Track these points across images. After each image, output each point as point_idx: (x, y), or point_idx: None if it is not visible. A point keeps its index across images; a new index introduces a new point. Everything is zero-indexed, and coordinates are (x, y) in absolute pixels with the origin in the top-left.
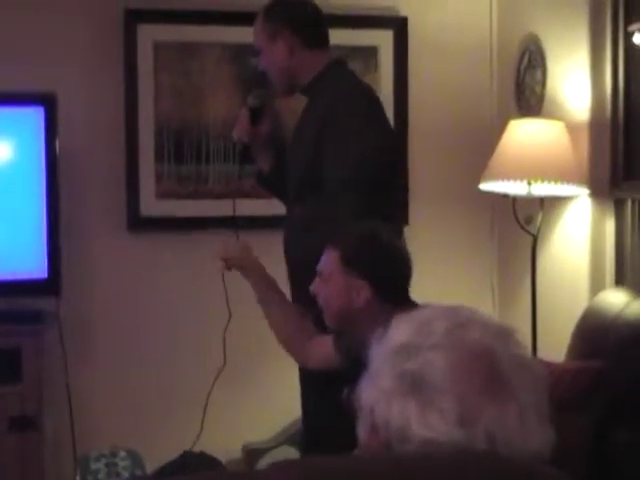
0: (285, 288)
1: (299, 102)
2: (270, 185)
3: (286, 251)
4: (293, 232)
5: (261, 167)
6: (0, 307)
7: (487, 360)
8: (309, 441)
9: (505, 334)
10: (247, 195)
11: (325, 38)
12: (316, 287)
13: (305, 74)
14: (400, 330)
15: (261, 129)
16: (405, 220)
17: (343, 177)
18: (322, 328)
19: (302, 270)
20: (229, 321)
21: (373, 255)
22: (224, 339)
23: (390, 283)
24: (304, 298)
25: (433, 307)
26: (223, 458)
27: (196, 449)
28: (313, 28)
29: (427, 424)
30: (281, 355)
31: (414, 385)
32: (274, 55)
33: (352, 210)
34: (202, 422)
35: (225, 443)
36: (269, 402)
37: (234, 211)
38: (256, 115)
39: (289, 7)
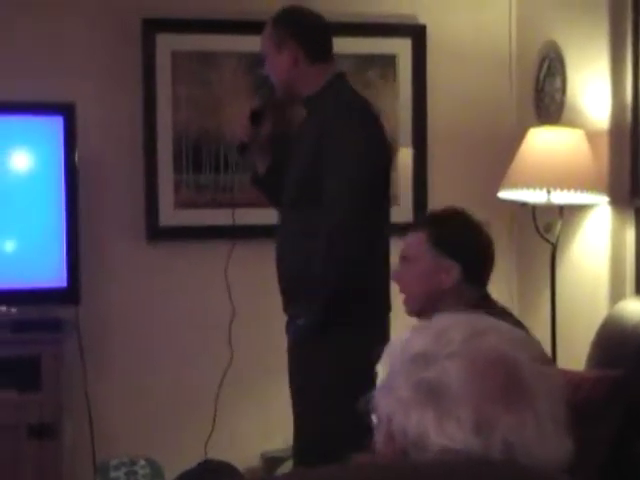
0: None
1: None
2: (264, 187)
3: (278, 260)
4: (286, 242)
5: (257, 168)
6: (20, 316)
7: (504, 368)
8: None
9: (523, 342)
10: (251, 204)
11: (329, 52)
12: (398, 271)
13: (306, 86)
14: (417, 339)
15: (260, 131)
16: None
17: (340, 188)
18: (311, 337)
19: (293, 279)
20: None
21: (463, 236)
22: (230, 335)
23: (478, 266)
24: (297, 308)
25: (451, 316)
26: (242, 466)
27: (215, 457)
28: (319, 42)
29: (444, 433)
30: None
31: (431, 394)
32: (278, 64)
33: (349, 221)
34: (212, 426)
35: (244, 451)
36: (287, 410)
37: (233, 220)
38: (257, 117)
39: (298, 19)
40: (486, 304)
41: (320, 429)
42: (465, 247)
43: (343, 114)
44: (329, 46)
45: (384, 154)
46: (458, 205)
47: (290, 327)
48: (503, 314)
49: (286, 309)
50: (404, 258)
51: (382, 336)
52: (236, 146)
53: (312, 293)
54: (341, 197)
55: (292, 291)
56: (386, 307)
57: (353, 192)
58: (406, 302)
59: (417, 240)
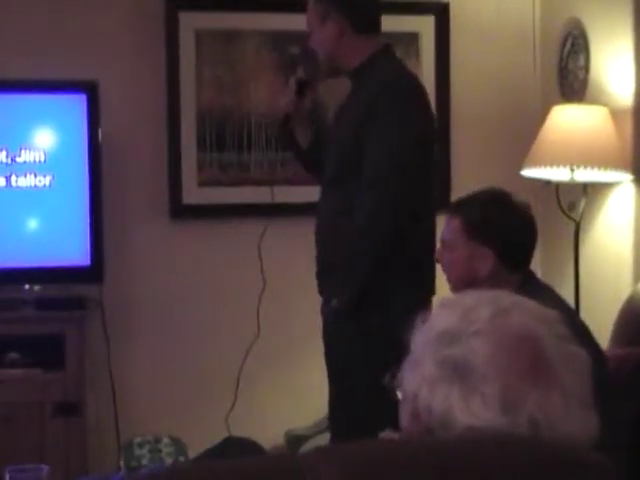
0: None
1: (343, 86)
2: (306, 161)
3: (317, 241)
4: (323, 222)
5: (299, 142)
6: (43, 294)
7: (531, 345)
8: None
9: (549, 319)
10: (288, 182)
11: (376, 24)
12: (439, 255)
13: (352, 59)
14: (443, 317)
15: (304, 102)
16: (447, 206)
17: (387, 160)
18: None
19: (329, 259)
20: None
21: (497, 223)
22: (258, 319)
23: (515, 252)
24: (333, 286)
25: (476, 293)
26: (265, 445)
27: (238, 435)
28: (364, 13)
29: (470, 411)
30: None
31: (457, 371)
32: (323, 37)
33: (396, 193)
34: (235, 404)
35: (267, 429)
36: (312, 388)
37: (272, 196)
38: (302, 88)
39: None
40: (528, 288)
41: (355, 407)
42: (499, 234)
43: (387, 88)
44: (375, 17)
45: (429, 128)
46: (480, 186)
47: (324, 308)
48: (545, 294)
49: (321, 291)
50: (443, 242)
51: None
52: (280, 119)
53: (347, 273)
54: (377, 185)
55: (327, 272)
56: (431, 281)
57: (395, 167)
58: (448, 282)
59: (453, 226)
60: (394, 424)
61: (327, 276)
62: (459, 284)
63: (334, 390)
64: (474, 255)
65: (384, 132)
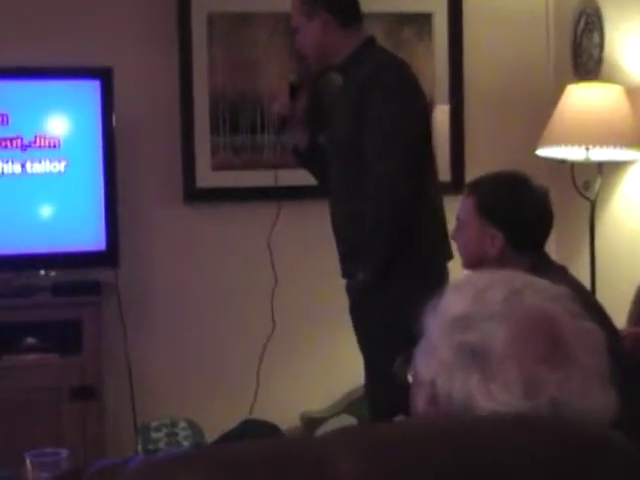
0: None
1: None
2: (306, 161)
3: (334, 226)
4: (338, 206)
5: (297, 142)
6: (59, 279)
7: (547, 326)
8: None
9: (562, 297)
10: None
11: (359, 15)
12: (454, 233)
13: (339, 52)
14: (456, 300)
15: (298, 104)
16: (461, 186)
17: (390, 131)
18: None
19: (349, 241)
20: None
21: (509, 205)
22: (272, 302)
23: (525, 234)
24: (356, 265)
25: (486, 274)
26: (282, 427)
27: (256, 418)
28: (348, 6)
29: (491, 396)
30: (342, 324)
31: (475, 357)
32: (310, 33)
33: (400, 163)
34: (256, 390)
35: (283, 412)
36: (327, 371)
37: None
38: (294, 91)
39: None
40: (540, 268)
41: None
42: (508, 216)
43: (380, 75)
44: (358, 9)
45: (422, 111)
46: (494, 166)
47: (349, 285)
48: (558, 274)
49: (345, 273)
50: (457, 220)
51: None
52: (276, 122)
53: (370, 246)
54: (383, 156)
55: (351, 256)
56: (445, 256)
57: (395, 150)
58: (462, 260)
59: (467, 205)
60: (406, 410)
61: (351, 260)
62: (470, 262)
63: (367, 371)
64: (484, 235)
65: (385, 107)
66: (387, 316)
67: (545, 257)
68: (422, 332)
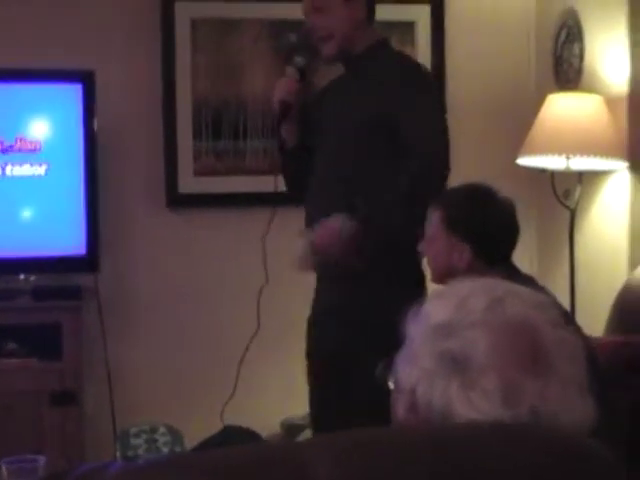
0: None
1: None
2: (291, 161)
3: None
4: (333, 196)
5: (285, 138)
6: (40, 283)
7: (528, 334)
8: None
9: (541, 306)
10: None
11: (374, 16)
12: (422, 247)
13: (359, 45)
14: (438, 308)
15: (306, 90)
16: None
17: (433, 129)
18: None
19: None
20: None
21: (475, 218)
22: (258, 304)
23: (492, 246)
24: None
25: (469, 282)
26: (262, 434)
27: (236, 424)
28: (374, 3)
29: (470, 404)
30: None
31: (456, 365)
32: (344, 16)
33: (444, 159)
34: (233, 394)
35: (264, 419)
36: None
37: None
38: (303, 75)
39: None
40: (509, 279)
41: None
42: (475, 229)
43: (414, 68)
44: (375, 9)
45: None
46: (475, 176)
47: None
48: (527, 285)
49: (326, 275)
50: (426, 234)
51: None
52: (280, 111)
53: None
54: (437, 135)
55: None
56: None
57: (441, 139)
58: (431, 273)
59: (434, 219)
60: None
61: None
62: (439, 276)
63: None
64: (452, 248)
65: (423, 106)
66: (380, 316)
67: (513, 268)
68: (404, 337)
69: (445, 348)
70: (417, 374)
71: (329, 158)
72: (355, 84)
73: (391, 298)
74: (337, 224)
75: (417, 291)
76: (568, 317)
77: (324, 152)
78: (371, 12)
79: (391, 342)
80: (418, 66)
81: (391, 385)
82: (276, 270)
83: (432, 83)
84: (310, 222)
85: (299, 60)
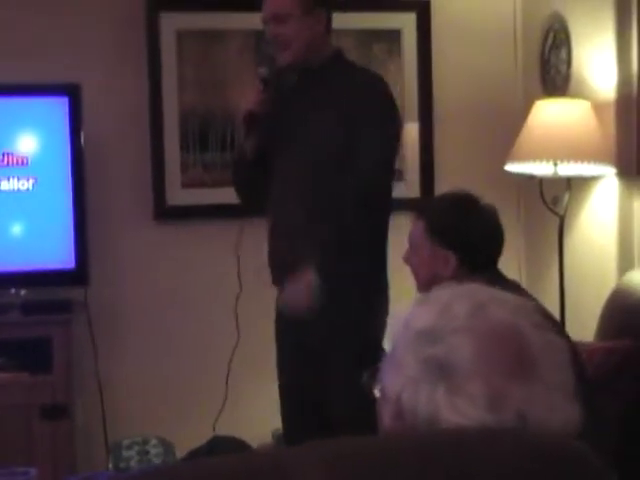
0: None
1: None
2: (251, 169)
3: (287, 232)
4: (301, 209)
5: (246, 149)
6: (29, 297)
7: (513, 340)
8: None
9: (525, 310)
10: None
11: (331, 26)
12: (406, 256)
13: (318, 54)
14: (421, 314)
15: (267, 101)
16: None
17: (380, 158)
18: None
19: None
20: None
21: (459, 226)
22: (237, 313)
23: (477, 253)
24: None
25: (451, 288)
26: (253, 444)
27: (227, 434)
28: (332, 14)
29: (456, 409)
30: None
31: (441, 371)
32: (302, 26)
33: (385, 189)
34: (223, 404)
35: (255, 429)
36: None
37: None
38: (266, 85)
39: None
40: (495, 285)
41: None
42: (460, 237)
43: (376, 85)
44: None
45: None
46: (464, 183)
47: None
48: (513, 290)
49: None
50: (409, 243)
51: (385, 311)
52: (248, 121)
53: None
54: (382, 164)
55: (294, 264)
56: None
57: (386, 166)
58: (416, 283)
59: (418, 228)
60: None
61: (293, 268)
62: (424, 285)
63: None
64: (437, 257)
65: (377, 130)
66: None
67: (498, 274)
68: (383, 348)
69: (430, 354)
70: (402, 381)
71: (294, 173)
72: (316, 103)
73: (357, 307)
74: (309, 285)
75: (379, 299)
76: (553, 321)
77: (287, 166)
78: (329, 23)
79: (360, 349)
80: (383, 82)
81: (377, 393)
82: (268, 282)
83: (392, 101)
84: (276, 233)
85: (262, 71)
